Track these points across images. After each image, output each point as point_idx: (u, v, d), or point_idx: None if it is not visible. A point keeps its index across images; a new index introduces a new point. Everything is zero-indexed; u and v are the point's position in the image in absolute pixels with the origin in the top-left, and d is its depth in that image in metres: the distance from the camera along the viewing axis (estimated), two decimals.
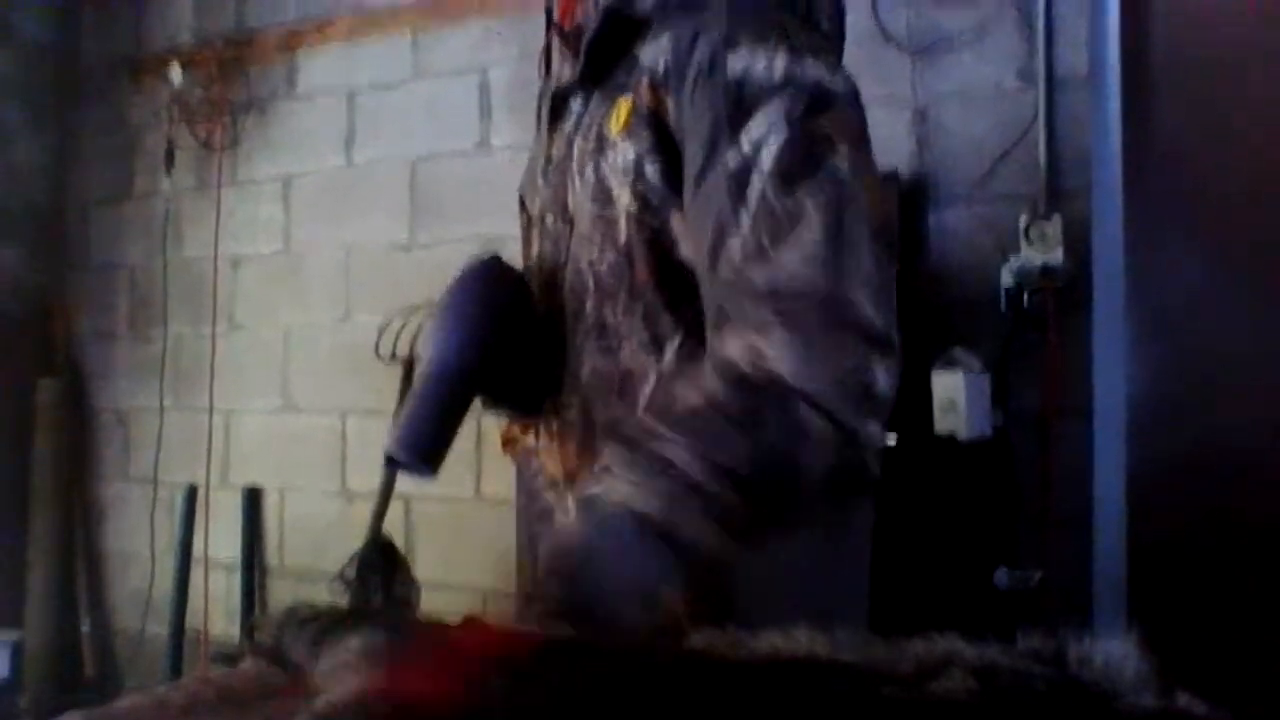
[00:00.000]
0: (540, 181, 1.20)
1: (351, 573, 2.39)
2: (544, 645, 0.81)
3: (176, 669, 3.24)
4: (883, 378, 0.89)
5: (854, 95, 0.99)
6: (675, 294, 1.03)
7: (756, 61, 0.96)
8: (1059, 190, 2.32)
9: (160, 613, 3.35)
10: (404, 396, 2.99)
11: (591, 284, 1.08)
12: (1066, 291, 2.25)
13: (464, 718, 0.67)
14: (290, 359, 3.29)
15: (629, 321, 1.06)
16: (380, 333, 2.83)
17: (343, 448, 3.17)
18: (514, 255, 3.16)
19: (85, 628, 3.55)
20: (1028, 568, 2.20)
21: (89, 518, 3.64)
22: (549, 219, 1.17)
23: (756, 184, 0.92)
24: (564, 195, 1.13)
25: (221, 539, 3.33)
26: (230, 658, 2.78)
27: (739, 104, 0.95)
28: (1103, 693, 0.65)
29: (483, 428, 2.88)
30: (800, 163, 0.92)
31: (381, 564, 2.45)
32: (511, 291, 1.17)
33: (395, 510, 2.83)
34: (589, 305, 1.09)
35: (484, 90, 2.97)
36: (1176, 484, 2.11)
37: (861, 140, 0.97)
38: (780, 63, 0.96)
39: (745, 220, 0.92)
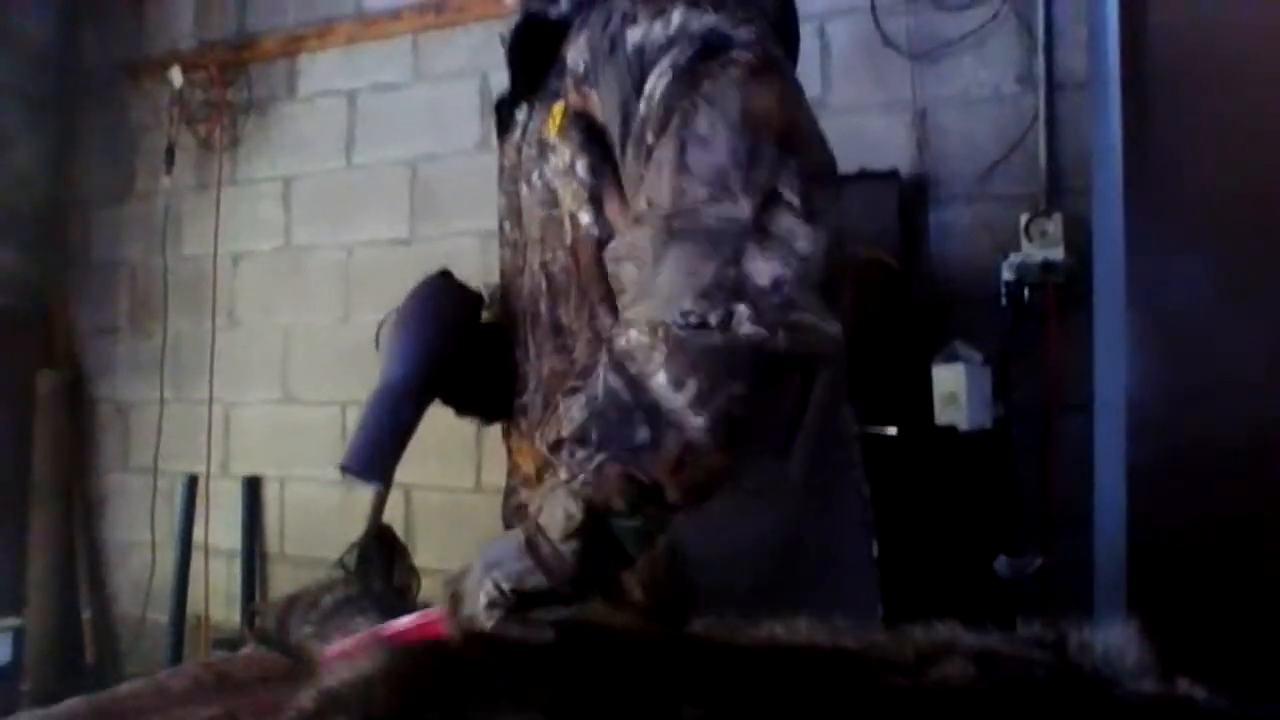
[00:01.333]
0: (498, 189, 1.23)
1: (351, 561, 2.39)
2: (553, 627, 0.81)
3: (177, 655, 3.25)
4: (760, 266, 0.83)
5: (759, 40, 0.94)
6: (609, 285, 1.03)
7: (653, 27, 0.95)
8: (1059, 190, 2.32)
9: (161, 600, 3.36)
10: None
11: (544, 285, 1.10)
12: (1067, 287, 2.25)
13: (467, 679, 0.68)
14: (290, 356, 3.29)
15: (579, 320, 1.07)
16: (379, 327, 2.83)
17: (342, 437, 3.17)
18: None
19: (86, 614, 3.55)
20: (1028, 557, 2.21)
21: (90, 507, 3.64)
22: (507, 226, 1.19)
23: (648, 139, 0.92)
24: (517, 202, 1.15)
25: (222, 527, 3.33)
26: (231, 644, 2.78)
27: (638, 71, 0.95)
28: (1102, 679, 0.66)
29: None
30: (675, 100, 0.90)
31: (381, 552, 2.45)
32: (458, 307, 1.22)
33: (395, 499, 2.83)
34: (543, 306, 1.10)
35: (484, 92, 2.97)
36: (1176, 475, 2.11)
37: (753, 67, 0.92)
38: (675, 18, 0.94)
39: (645, 180, 0.93)
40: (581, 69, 1.03)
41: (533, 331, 1.13)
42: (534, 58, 1.11)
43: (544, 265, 1.09)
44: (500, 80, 3.21)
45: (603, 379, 0.85)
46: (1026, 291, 2.27)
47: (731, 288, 0.82)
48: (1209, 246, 2.16)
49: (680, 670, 0.72)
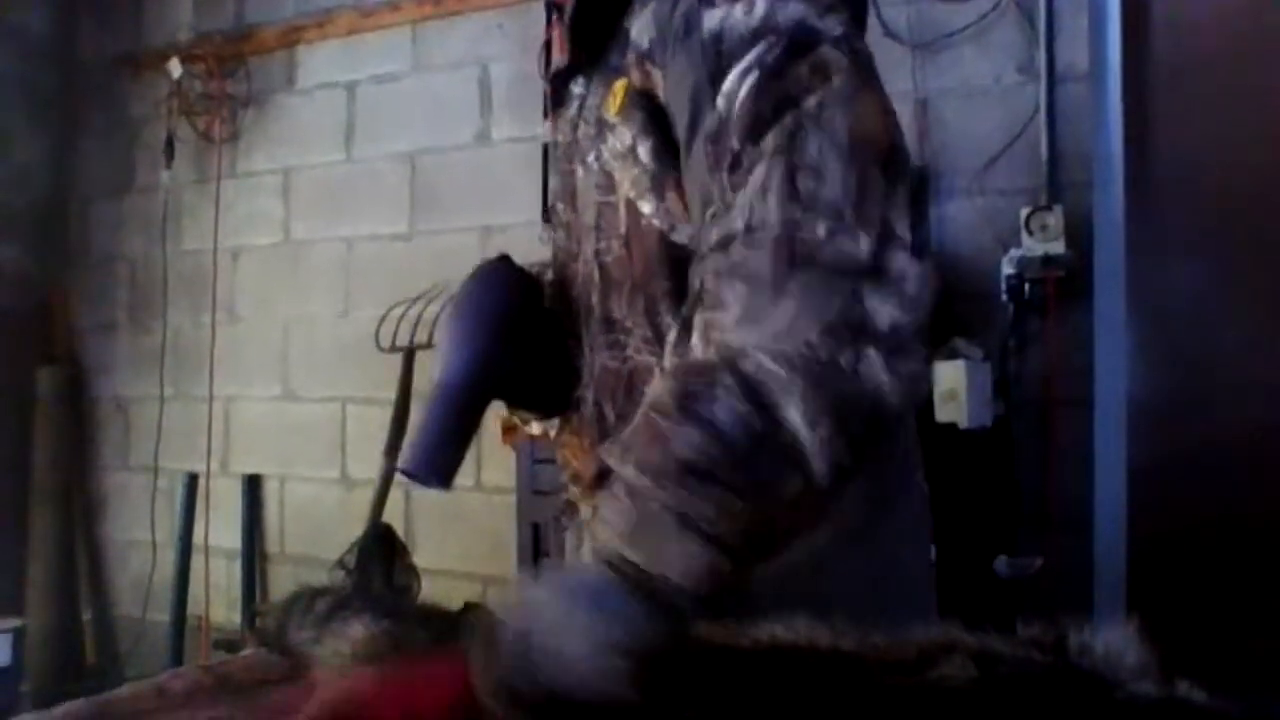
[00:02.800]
0: (551, 166, 1.17)
1: (352, 560, 2.40)
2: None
3: (178, 656, 3.25)
4: (879, 308, 0.75)
5: (849, 35, 0.88)
6: (676, 283, 0.97)
7: (733, 11, 0.88)
8: (1060, 183, 2.32)
9: (161, 600, 3.36)
10: (403, 390, 3.01)
11: (597, 276, 1.04)
12: (1067, 281, 2.25)
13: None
14: (290, 350, 3.29)
15: (633, 315, 1.01)
16: (380, 323, 2.83)
17: (342, 435, 3.17)
18: (511, 246, 3.15)
19: (87, 615, 3.55)
20: (1028, 556, 2.21)
21: (90, 506, 3.64)
22: (560, 208, 1.12)
23: (731, 142, 0.84)
24: (572, 183, 1.09)
25: (222, 527, 3.33)
26: (231, 645, 2.79)
27: (716, 61, 0.87)
28: (1102, 680, 0.65)
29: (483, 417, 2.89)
30: (768, 108, 0.83)
31: (381, 551, 2.46)
32: (519, 295, 1.14)
33: (395, 498, 2.83)
34: (595, 298, 1.04)
35: (484, 84, 2.96)
36: (1176, 473, 2.11)
37: (849, 72, 0.85)
38: (759, 7, 0.87)
39: (719, 178, 0.84)
40: (646, 45, 0.97)
41: (586, 324, 1.08)
42: (594, 28, 1.04)
43: (597, 254, 1.04)
44: (501, 70, 3.20)
45: (730, 405, 0.74)
46: (1027, 286, 2.26)
47: (856, 328, 0.75)
48: (1210, 241, 2.16)
49: (680, 673, 0.72)
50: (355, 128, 3.20)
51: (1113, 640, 0.71)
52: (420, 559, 2.74)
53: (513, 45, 2.89)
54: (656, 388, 0.79)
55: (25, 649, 3.30)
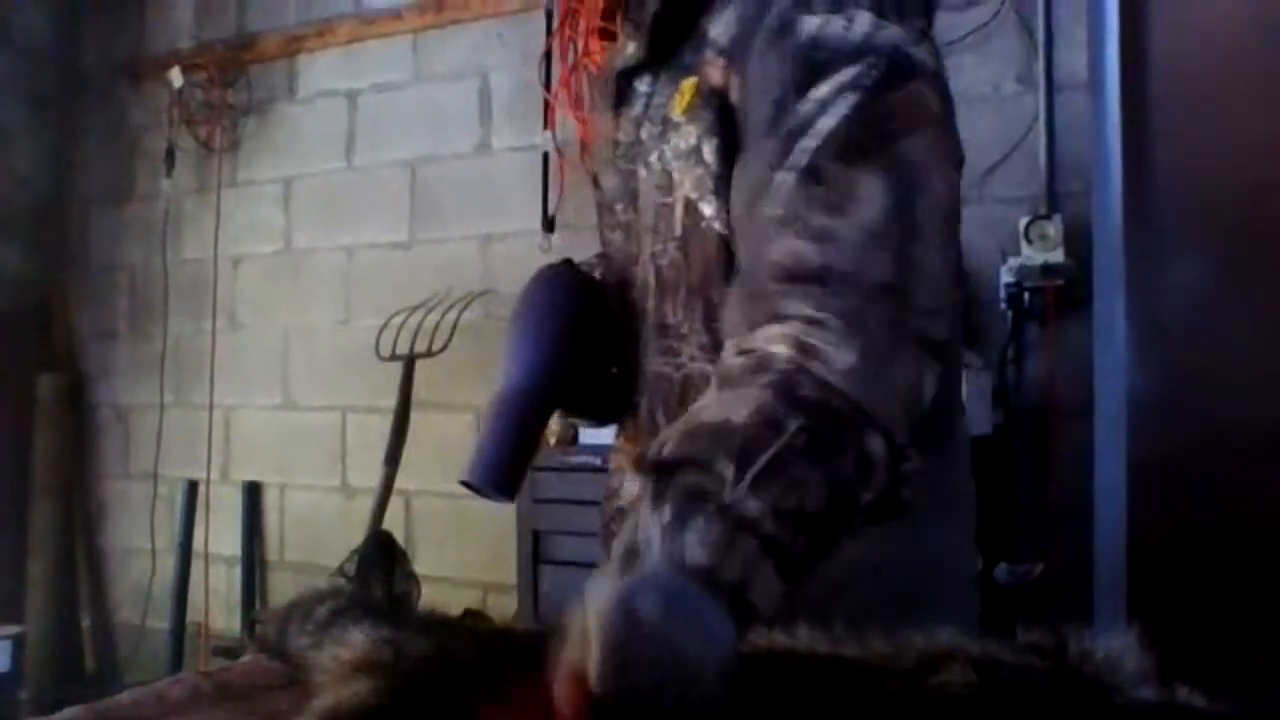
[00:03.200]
0: (610, 167, 1.13)
1: (352, 567, 2.40)
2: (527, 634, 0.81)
3: (177, 663, 3.25)
4: (930, 389, 0.81)
5: (939, 70, 0.89)
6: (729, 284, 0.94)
7: (833, 22, 0.87)
8: (1059, 192, 2.32)
9: (161, 607, 3.36)
10: (403, 398, 3.01)
11: (653, 279, 1.02)
12: (1066, 290, 2.25)
13: None
14: (290, 358, 3.29)
15: (689, 321, 0.99)
16: (380, 332, 2.84)
17: (343, 443, 3.17)
18: (511, 255, 3.15)
19: (86, 622, 3.55)
20: (1027, 563, 2.20)
21: (90, 513, 3.64)
22: (619, 208, 1.09)
23: (809, 145, 0.83)
24: (634, 183, 1.06)
25: (222, 534, 3.33)
26: (231, 651, 2.79)
27: (809, 67, 0.86)
28: (1103, 686, 0.65)
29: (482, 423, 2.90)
30: (866, 136, 0.83)
31: (382, 559, 2.46)
32: (581, 300, 1.10)
33: (395, 506, 2.83)
34: (650, 303, 1.02)
35: (484, 93, 2.97)
36: (1176, 480, 2.10)
37: (941, 121, 0.87)
38: (860, 25, 0.86)
39: (787, 180, 0.83)
40: (726, 42, 0.95)
41: (641, 327, 1.06)
42: (671, 27, 1.01)
43: (653, 257, 1.01)
44: (501, 79, 3.21)
45: (851, 459, 0.77)
46: (1026, 295, 2.27)
47: (918, 399, 0.81)
48: (1209, 250, 2.16)
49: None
50: (356, 137, 3.20)
51: (1113, 646, 0.71)
52: (420, 566, 2.73)
53: (513, 55, 2.90)
54: (767, 403, 0.75)
55: (25, 655, 3.30)
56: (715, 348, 0.94)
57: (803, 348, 0.76)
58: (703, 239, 0.95)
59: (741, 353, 0.80)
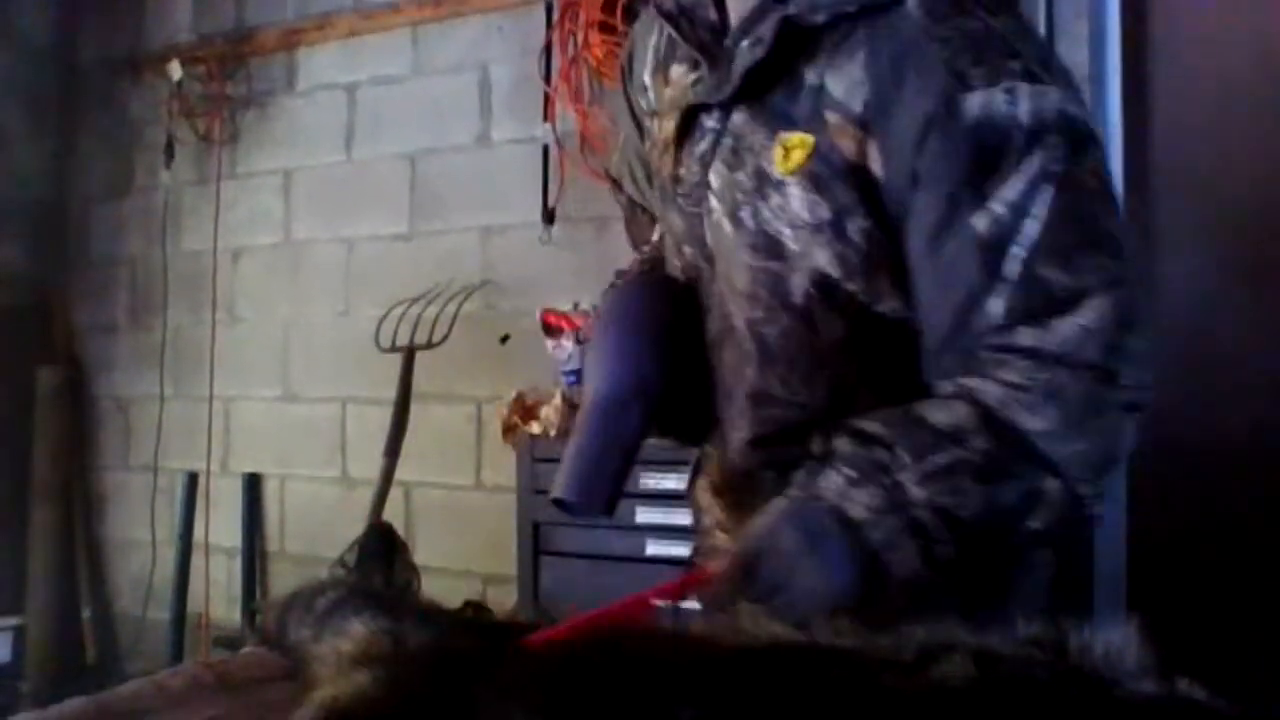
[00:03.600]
0: (672, 206, 1.05)
1: (352, 558, 2.40)
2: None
3: (178, 654, 3.25)
4: (1127, 443, 0.86)
5: (1088, 115, 0.89)
6: (870, 357, 0.93)
7: (995, 98, 0.84)
8: None
9: (161, 598, 3.36)
10: (403, 390, 3.00)
11: (754, 348, 0.97)
12: None
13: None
14: (290, 349, 3.29)
15: (808, 392, 0.96)
16: (380, 323, 2.84)
17: (343, 435, 3.17)
18: (511, 247, 3.14)
19: (87, 613, 3.55)
20: None
21: (90, 505, 3.64)
22: (686, 250, 1.04)
23: (1018, 256, 0.83)
24: (700, 230, 1.00)
25: (222, 525, 3.33)
26: (231, 642, 2.79)
27: (983, 155, 0.84)
28: (1102, 680, 0.65)
29: (483, 416, 2.90)
30: (1075, 233, 0.83)
31: (382, 550, 2.46)
32: (672, 303, 1.04)
33: (395, 497, 2.83)
34: (750, 371, 0.98)
35: (484, 86, 2.96)
36: (1176, 474, 2.11)
37: (1108, 175, 0.89)
38: (1024, 99, 0.84)
39: (1005, 291, 0.84)
40: (859, 109, 0.89)
41: (720, 385, 1.01)
42: (768, 70, 0.93)
43: (751, 325, 0.96)
44: (501, 72, 3.19)
45: (1038, 504, 0.86)
46: None
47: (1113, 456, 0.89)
48: (1211, 243, 2.16)
49: (678, 670, 0.72)
50: (355, 129, 3.20)
51: (1112, 640, 0.71)
52: (420, 557, 2.74)
53: (513, 47, 2.89)
54: (964, 419, 0.84)
55: (25, 647, 3.31)
56: (842, 429, 0.90)
57: (1009, 398, 0.83)
58: (839, 311, 0.93)
59: (957, 382, 0.86)
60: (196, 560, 3.34)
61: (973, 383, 0.85)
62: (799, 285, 0.94)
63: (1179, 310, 2.16)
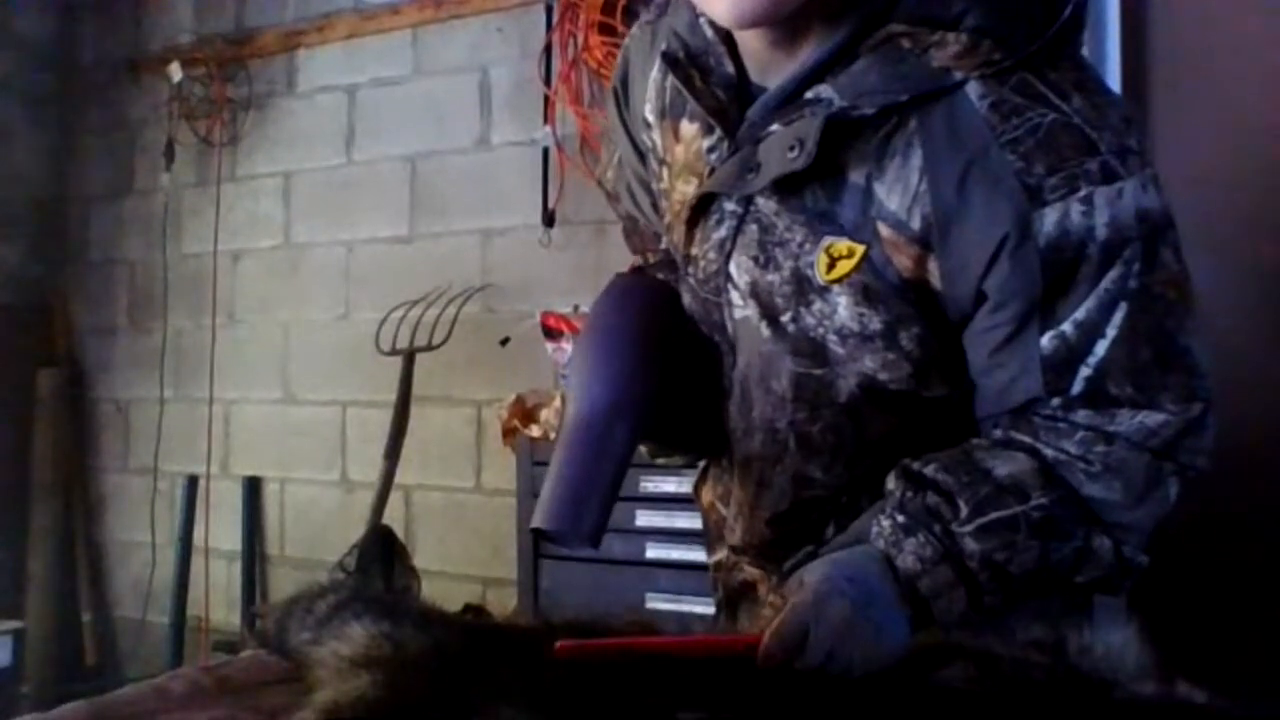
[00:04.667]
0: (684, 284, 1.00)
1: (352, 562, 2.39)
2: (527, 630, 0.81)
3: (177, 658, 3.24)
4: (1175, 496, 0.87)
5: (1162, 196, 0.85)
6: (916, 436, 0.90)
7: (1070, 210, 0.79)
8: None
9: (161, 601, 3.36)
10: (403, 393, 3.00)
11: (794, 445, 0.94)
12: None
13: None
14: (290, 352, 3.29)
15: (853, 472, 0.93)
16: (380, 326, 2.84)
17: (343, 438, 3.17)
18: (511, 250, 3.15)
19: (86, 617, 3.54)
20: None
21: (90, 507, 3.64)
22: (702, 329, 0.99)
23: (1084, 374, 0.81)
24: (719, 318, 0.95)
25: (222, 528, 3.33)
26: (231, 646, 2.79)
27: (1056, 275, 0.80)
28: (1102, 681, 0.65)
29: (483, 419, 2.90)
30: (1150, 350, 0.81)
31: (381, 553, 2.45)
32: (659, 310, 0.98)
33: (395, 500, 2.83)
34: (789, 461, 0.95)
35: (484, 88, 2.96)
36: None
37: (1185, 265, 0.86)
38: (1101, 209, 0.79)
39: (1064, 398, 0.83)
40: (918, 225, 0.82)
41: (743, 469, 0.98)
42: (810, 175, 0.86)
43: (793, 425, 0.93)
44: (501, 74, 3.19)
45: (1089, 563, 0.86)
46: None
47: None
48: (1209, 248, 2.16)
49: (678, 673, 0.72)
50: (355, 131, 3.20)
51: (1112, 642, 0.71)
52: (420, 561, 2.73)
53: (513, 49, 2.89)
54: (1026, 472, 0.83)
55: (25, 650, 3.31)
56: (873, 493, 0.90)
57: (1069, 462, 0.82)
58: (888, 410, 0.90)
59: (1011, 435, 0.85)
60: (196, 563, 3.34)
61: (1030, 441, 0.83)
62: (845, 388, 0.90)
63: None
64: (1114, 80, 2.23)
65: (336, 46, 3.21)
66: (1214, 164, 2.16)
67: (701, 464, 1.12)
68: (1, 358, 3.47)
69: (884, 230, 0.84)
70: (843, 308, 0.86)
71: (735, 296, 0.92)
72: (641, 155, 1.08)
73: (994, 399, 0.87)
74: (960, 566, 0.80)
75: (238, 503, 3.29)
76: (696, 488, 1.12)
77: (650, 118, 1.03)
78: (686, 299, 0.99)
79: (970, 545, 0.80)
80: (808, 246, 0.87)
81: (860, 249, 0.84)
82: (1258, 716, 0.66)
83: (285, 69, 3.31)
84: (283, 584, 3.21)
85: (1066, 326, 0.81)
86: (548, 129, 2.76)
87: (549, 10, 2.77)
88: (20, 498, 3.45)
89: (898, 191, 0.83)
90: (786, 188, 0.87)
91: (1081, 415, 0.82)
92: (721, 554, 1.07)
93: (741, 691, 0.71)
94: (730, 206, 0.92)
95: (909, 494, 0.83)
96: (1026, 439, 0.84)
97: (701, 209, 0.94)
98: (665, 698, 0.68)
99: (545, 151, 2.78)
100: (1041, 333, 0.81)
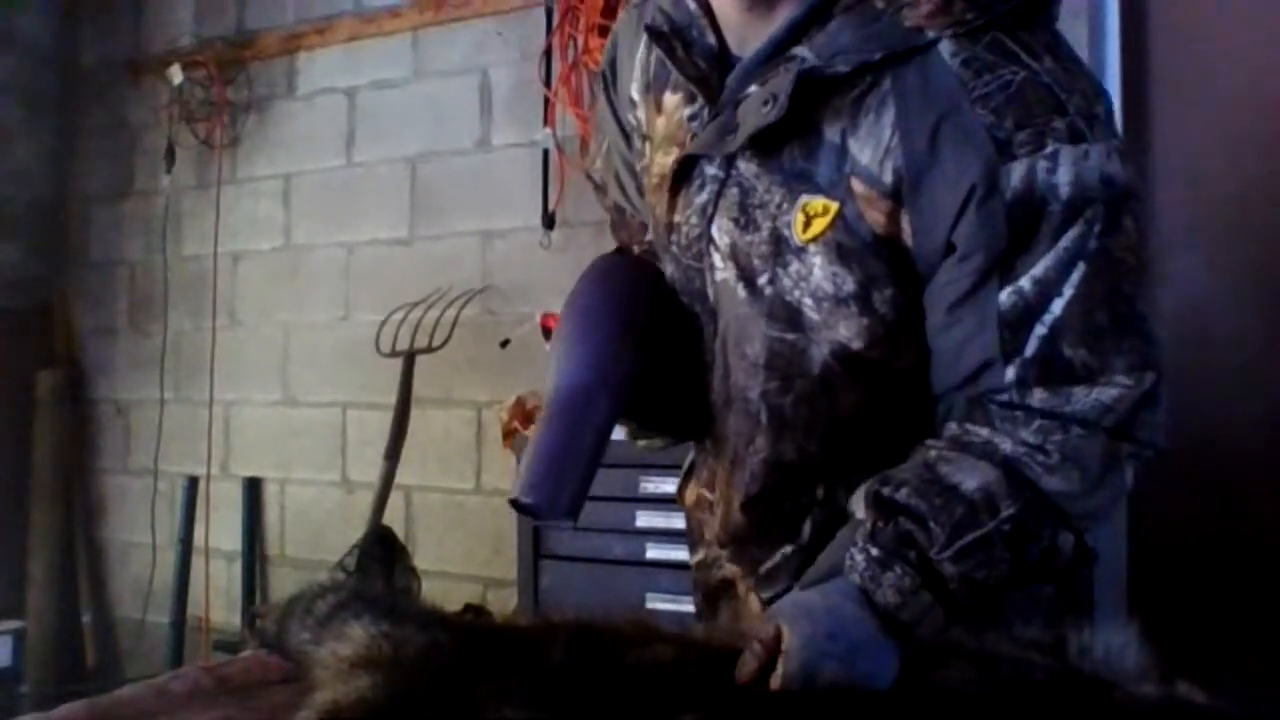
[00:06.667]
0: (667, 255, 1.00)
1: (352, 562, 2.40)
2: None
3: (178, 658, 3.24)
4: (1131, 480, 0.86)
5: (1128, 169, 0.85)
6: (887, 410, 0.91)
7: (1036, 166, 0.80)
8: None
9: (161, 602, 3.35)
10: (403, 394, 3.00)
11: (765, 419, 0.94)
12: None
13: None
14: (290, 354, 3.29)
15: (826, 449, 0.93)
16: (380, 328, 2.84)
17: (343, 439, 3.17)
18: (511, 252, 3.15)
19: (86, 617, 3.55)
20: None
21: (90, 508, 3.64)
22: (685, 300, 0.99)
23: (1039, 332, 0.81)
24: (700, 285, 0.96)
25: (222, 529, 3.33)
26: (231, 646, 2.79)
27: (1019, 229, 0.81)
28: (1102, 682, 0.65)
29: (483, 420, 2.90)
30: (1106, 313, 0.81)
31: (382, 553, 2.46)
32: (640, 288, 0.98)
33: (395, 501, 2.83)
34: (760, 440, 0.95)
35: (484, 90, 2.96)
36: (1176, 476, 2.10)
37: (1146, 235, 0.85)
38: (1065, 166, 0.80)
39: (1019, 363, 0.82)
40: (890, 179, 0.83)
41: (723, 445, 0.98)
42: (784, 127, 0.87)
43: (765, 396, 0.93)
44: (501, 76, 3.20)
45: (1054, 555, 0.87)
46: None
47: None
48: (1208, 249, 2.16)
49: (680, 675, 0.72)
50: (356, 133, 3.20)
51: (1113, 642, 0.71)
52: (420, 561, 2.74)
53: (513, 52, 2.90)
54: (993, 483, 0.82)
55: (26, 651, 3.31)
56: (861, 472, 0.89)
57: (1028, 457, 0.82)
58: (860, 381, 0.90)
59: (969, 429, 0.84)
60: (196, 564, 3.34)
61: (986, 434, 0.83)
62: (818, 356, 0.90)
63: (1179, 310, 2.16)
64: (1114, 80, 2.23)
65: (337, 49, 3.21)
66: (1214, 164, 2.16)
67: (686, 463, 1.12)
68: (2, 359, 3.47)
69: (858, 186, 0.85)
70: (818, 269, 0.87)
71: (717, 259, 0.93)
72: (627, 137, 1.09)
73: (949, 362, 0.86)
74: (940, 591, 0.81)
75: (238, 503, 3.30)
76: (680, 489, 1.13)
77: (636, 96, 1.05)
78: (669, 269, 1.00)
79: (949, 570, 0.80)
80: (785, 206, 0.88)
81: (835, 205, 0.85)
82: (1258, 716, 0.66)
83: (286, 71, 3.32)
84: (283, 584, 3.21)
85: (1025, 282, 0.81)
86: (548, 131, 2.76)
87: (549, 13, 2.77)
88: (20, 498, 3.45)
89: (870, 146, 0.84)
90: (766, 148, 0.88)
91: (1037, 397, 0.82)
92: (702, 553, 1.08)
93: (741, 692, 0.71)
94: (711, 171, 0.93)
95: (880, 524, 0.82)
96: (984, 431, 0.83)
97: (684, 175, 0.95)
98: (666, 698, 0.68)
99: (545, 153, 2.78)
100: (1001, 288, 0.82)
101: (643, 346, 0.93)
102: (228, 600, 3.31)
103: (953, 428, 0.86)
